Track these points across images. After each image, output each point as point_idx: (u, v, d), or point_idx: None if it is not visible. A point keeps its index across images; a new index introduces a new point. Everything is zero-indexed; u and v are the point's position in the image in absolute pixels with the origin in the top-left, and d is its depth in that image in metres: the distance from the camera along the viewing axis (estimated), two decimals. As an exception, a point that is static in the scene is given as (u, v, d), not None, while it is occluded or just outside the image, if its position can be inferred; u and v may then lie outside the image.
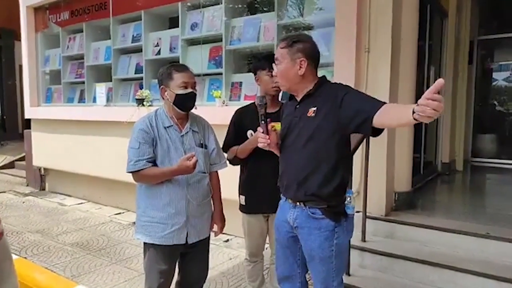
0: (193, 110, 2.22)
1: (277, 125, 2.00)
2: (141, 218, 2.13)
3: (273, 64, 1.89)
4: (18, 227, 4.64)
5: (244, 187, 2.51)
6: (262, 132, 1.86)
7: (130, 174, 2.07)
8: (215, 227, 2.34)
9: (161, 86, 2.11)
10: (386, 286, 2.81)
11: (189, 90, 2.07)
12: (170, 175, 2.04)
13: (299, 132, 1.82)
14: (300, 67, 1.78)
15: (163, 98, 2.15)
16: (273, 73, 1.90)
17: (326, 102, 1.75)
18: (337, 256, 1.82)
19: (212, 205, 2.31)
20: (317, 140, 1.76)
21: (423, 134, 4.59)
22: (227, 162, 2.42)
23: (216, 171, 2.33)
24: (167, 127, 2.11)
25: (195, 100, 2.14)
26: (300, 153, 1.82)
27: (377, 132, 1.66)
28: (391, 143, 3.35)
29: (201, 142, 2.20)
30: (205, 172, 2.19)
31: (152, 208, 2.08)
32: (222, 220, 2.37)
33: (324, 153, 1.77)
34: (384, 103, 1.61)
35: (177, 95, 2.06)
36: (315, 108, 1.77)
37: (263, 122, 1.86)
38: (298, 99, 1.87)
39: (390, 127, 1.63)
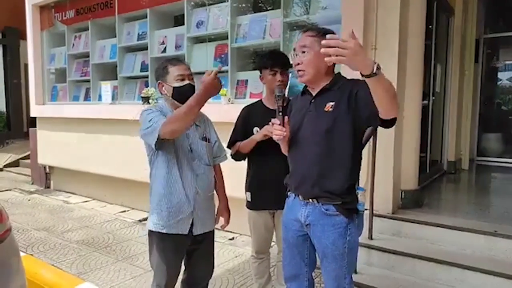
0: None
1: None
2: (152, 206, 2.12)
3: (292, 53, 1.86)
4: (24, 224, 4.66)
5: (250, 184, 2.52)
6: (279, 124, 1.82)
7: (156, 143, 1.93)
8: (221, 220, 2.36)
9: (158, 82, 2.12)
10: (394, 284, 2.80)
11: (186, 82, 2.07)
12: (196, 100, 1.85)
13: (315, 127, 1.79)
14: None
15: (161, 94, 2.15)
16: (295, 61, 1.82)
17: (343, 96, 1.73)
18: (349, 253, 1.81)
19: (217, 199, 2.32)
20: (334, 134, 1.74)
21: (429, 133, 4.58)
22: (228, 156, 2.43)
23: (219, 165, 2.35)
24: None
25: (193, 92, 2.08)
26: (315, 148, 1.79)
27: (389, 123, 1.63)
28: (398, 142, 3.34)
29: (204, 135, 2.20)
30: (210, 165, 2.19)
31: (160, 196, 2.08)
32: (228, 212, 2.39)
33: (340, 149, 1.75)
34: None
35: (174, 88, 2.05)
36: (333, 103, 1.75)
37: (280, 114, 1.83)
38: (314, 93, 1.85)
39: (386, 106, 1.55)
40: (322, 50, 1.34)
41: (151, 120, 1.96)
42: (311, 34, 1.79)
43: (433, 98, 4.67)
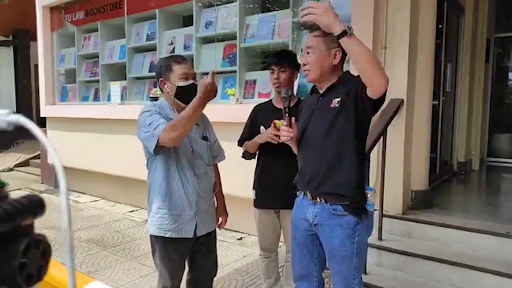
0: None
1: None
2: (153, 210, 2.09)
3: (301, 53, 1.88)
4: (35, 222, 4.70)
5: (256, 182, 2.54)
6: (286, 125, 1.83)
7: (154, 149, 1.89)
8: (220, 220, 2.34)
9: (161, 79, 2.05)
10: (404, 285, 2.78)
11: (190, 81, 2.02)
12: (195, 105, 1.81)
13: (320, 124, 1.80)
14: (335, 57, 1.77)
15: (161, 91, 2.11)
16: (302, 62, 1.86)
17: (348, 91, 1.73)
18: (358, 254, 1.79)
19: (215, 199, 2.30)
20: (339, 130, 1.74)
21: (439, 133, 4.53)
22: (234, 156, 2.43)
23: (216, 164, 2.32)
24: (172, 118, 2.04)
25: (196, 92, 2.04)
26: (321, 145, 1.79)
27: (377, 104, 1.68)
28: (408, 142, 3.31)
29: (204, 135, 2.18)
30: (210, 165, 2.18)
31: (162, 200, 2.05)
32: (226, 212, 2.37)
33: (345, 145, 1.75)
34: None
35: (178, 87, 1.99)
36: (338, 99, 1.75)
37: (286, 115, 1.83)
38: (321, 91, 1.85)
39: (368, 73, 1.58)
40: (301, 14, 1.62)
41: (150, 124, 1.90)
42: (316, 34, 1.79)
43: (443, 98, 4.63)
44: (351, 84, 1.75)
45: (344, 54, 1.81)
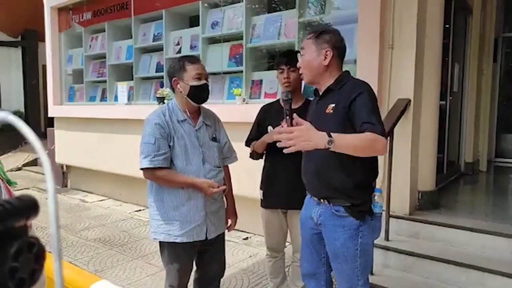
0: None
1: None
2: (157, 217, 2.08)
3: (298, 56, 1.90)
4: (42, 222, 4.72)
5: (263, 182, 2.54)
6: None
7: (141, 169, 2.04)
8: (229, 222, 2.34)
9: (174, 78, 2.07)
10: (410, 286, 2.76)
11: (203, 81, 2.04)
12: (189, 185, 2.02)
13: (319, 128, 1.80)
14: (325, 57, 1.77)
15: (173, 91, 2.12)
16: (298, 64, 1.89)
17: (343, 99, 1.73)
18: (362, 255, 1.79)
19: (225, 200, 2.30)
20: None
21: (446, 133, 4.51)
22: (240, 156, 2.43)
23: (227, 166, 2.32)
24: (182, 121, 2.07)
25: (208, 92, 2.11)
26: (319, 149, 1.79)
27: None
28: (415, 142, 3.29)
29: (214, 136, 2.18)
30: (220, 167, 2.18)
31: (170, 206, 2.05)
32: (236, 215, 2.37)
33: None
34: (371, 130, 1.61)
35: (191, 87, 2.02)
36: (333, 105, 1.75)
37: (287, 117, 1.84)
38: (320, 93, 1.86)
39: (364, 155, 1.70)
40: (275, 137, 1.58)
41: (154, 143, 1.98)
42: (308, 37, 1.83)
43: (451, 98, 4.60)
44: (347, 90, 1.74)
45: (338, 55, 1.80)
